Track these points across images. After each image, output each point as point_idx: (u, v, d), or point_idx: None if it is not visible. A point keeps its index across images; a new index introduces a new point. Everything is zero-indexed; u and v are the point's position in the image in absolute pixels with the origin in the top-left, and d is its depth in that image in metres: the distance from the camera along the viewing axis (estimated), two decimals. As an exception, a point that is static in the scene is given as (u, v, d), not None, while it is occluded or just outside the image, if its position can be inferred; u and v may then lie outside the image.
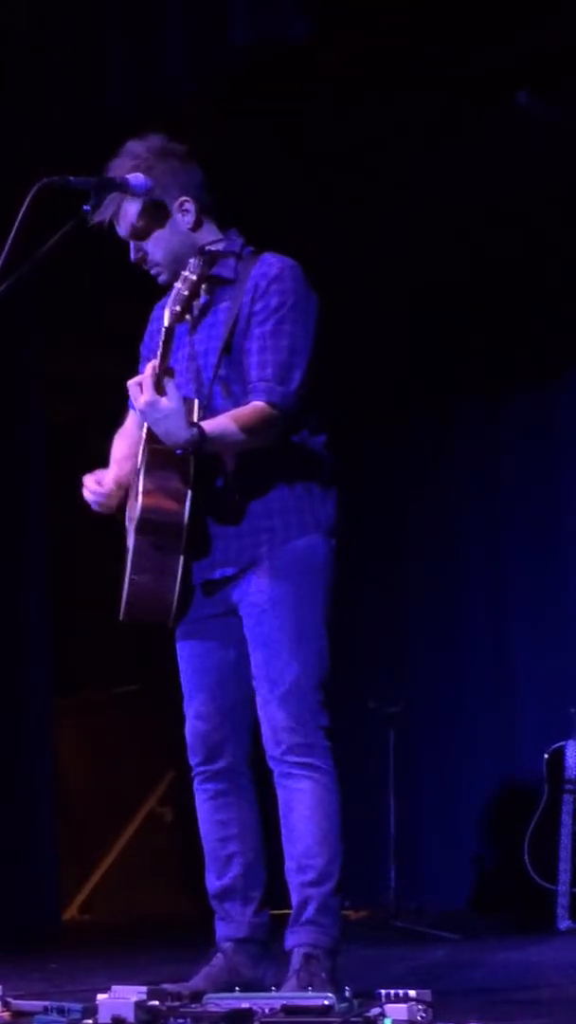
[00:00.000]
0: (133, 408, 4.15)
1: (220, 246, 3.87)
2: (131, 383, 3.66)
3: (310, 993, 3.38)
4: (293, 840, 3.79)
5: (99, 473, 3.98)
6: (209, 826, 3.97)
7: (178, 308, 3.63)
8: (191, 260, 3.69)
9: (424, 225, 7.01)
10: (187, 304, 3.66)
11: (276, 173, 6.57)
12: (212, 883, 3.96)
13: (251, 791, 3.95)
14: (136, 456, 3.94)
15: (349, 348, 6.92)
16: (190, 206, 3.88)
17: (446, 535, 7.60)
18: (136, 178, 3.75)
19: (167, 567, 3.77)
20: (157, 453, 3.73)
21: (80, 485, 4.00)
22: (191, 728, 3.97)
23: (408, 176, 6.78)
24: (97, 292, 7.12)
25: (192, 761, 3.98)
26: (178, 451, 3.66)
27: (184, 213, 3.89)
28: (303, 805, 3.76)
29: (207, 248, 3.78)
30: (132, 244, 3.93)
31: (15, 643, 6.84)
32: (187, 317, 3.68)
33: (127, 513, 3.99)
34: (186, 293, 3.64)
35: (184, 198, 3.88)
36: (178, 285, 3.65)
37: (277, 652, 3.78)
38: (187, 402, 3.72)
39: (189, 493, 3.73)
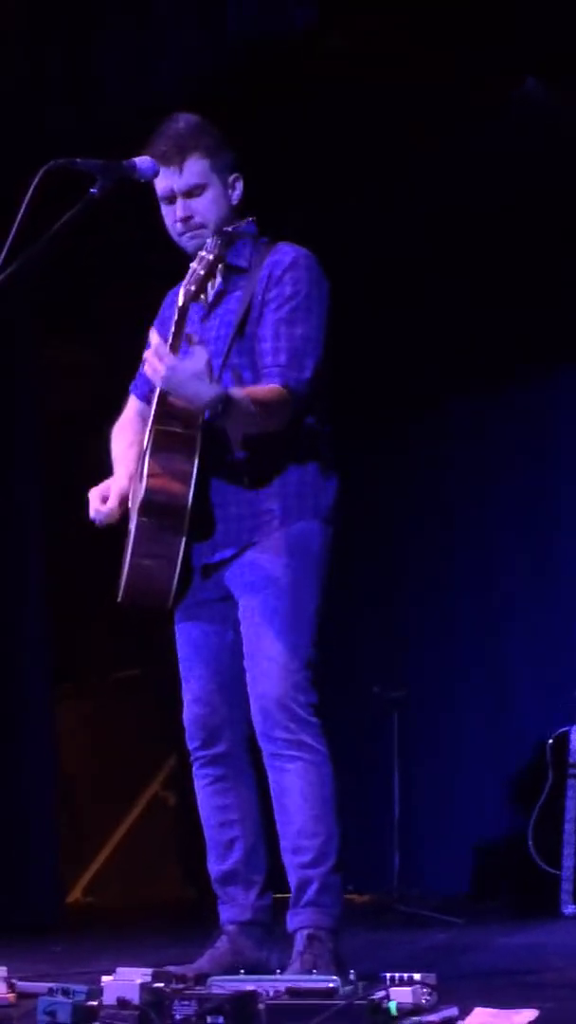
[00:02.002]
0: (135, 392, 4.15)
1: (237, 227, 3.89)
2: (148, 354, 3.63)
3: (315, 976, 3.38)
4: (288, 821, 3.79)
5: (104, 488, 3.98)
6: (209, 811, 3.98)
7: (193, 288, 3.62)
8: (208, 240, 3.70)
9: (424, 223, 7.00)
10: (203, 283, 3.64)
11: (276, 167, 6.55)
12: (214, 868, 3.97)
13: (250, 775, 3.95)
14: (139, 444, 3.95)
15: (350, 342, 6.93)
16: (239, 183, 3.94)
17: (445, 524, 7.61)
18: (143, 161, 3.74)
19: (168, 550, 3.77)
20: (163, 435, 3.73)
21: (79, 484, 4.00)
22: (189, 713, 3.97)
23: (409, 173, 6.77)
24: (92, 282, 7.12)
25: (191, 746, 3.99)
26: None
27: (233, 189, 3.93)
28: (295, 785, 3.76)
29: (225, 229, 3.78)
30: (180, 202, 3.90)
31: (15, 628, 6.84)
32: (201, 297, 3.65)
33: (130, 496, 3.99)
34: (202, 273, 3.63)
35: (237, 175, 3.94)
36: (194, 265, 3.65)
37: (266, 629, 3.79)
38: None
39: (194, 475, 3.73)
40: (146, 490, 3.73)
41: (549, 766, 6.21)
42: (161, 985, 3.13)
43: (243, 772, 3.95)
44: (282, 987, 3.13)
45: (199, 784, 3.99)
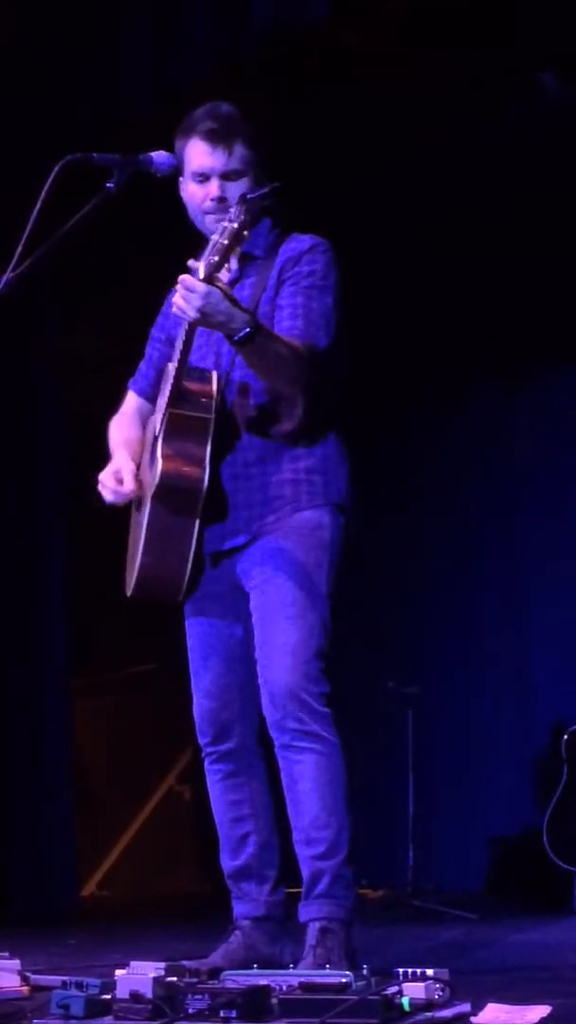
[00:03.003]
0: (134, 388, 4.15)
1: (261, 198, 3.82)
2: (179, 286, 3.52)
3: (328, 971, 3.38)
4: (300, 813, 3.78)
5: (116, 469, 3.93)
6: (222, 806, 3.98)
7: (216, 258, 3.50)
8: (232, 208, 3.60)
9: (440, 211, 7.00)
10: (227, 254, 3.52)
11: (295, 153, 6.57)
12: (227, 863, 3.97)
13: (262, 769, 3.95)
14: (139, 436, 3.98)
15: (369, 330, 6.90)
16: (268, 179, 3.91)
17: (463, 516, 7.59)
18: (160, 156, 3.75)
19: (182, 537, 3.76)
20: (177, 418, 3.72)
21: (95, 470, 3.99)
22: (199, 708, 3.97)
23: (411, 172, 6.77)
24: (112, 274, 7.13)
25: (201, 741, 3.98)
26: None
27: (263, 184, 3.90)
28: (307, 776, 3.75)
29: (248, 196, 3.68)
30: (216, 181, 3.87)
31: (33, 622, 6.86)
32: (225, 267, 3.54)
33: (137, 497, 3.99)
34: (226, 243, 3.51)
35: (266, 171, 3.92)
36: (215, 237, 3.54)
37: (277, 619, 3.78)
38: (205, 373, 3.73)
39: (208, 459, 3.73)
40: (161, 474, 3.71)
41: (564, 762, 6.21)
42: (174, 979, 3.14)
43: (255, 767, 3.95)
44: (295, 982, 3.14)
45: (211, 780, 3.99)
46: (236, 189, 3.86)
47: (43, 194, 3.42)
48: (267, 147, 3.96)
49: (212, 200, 3.86)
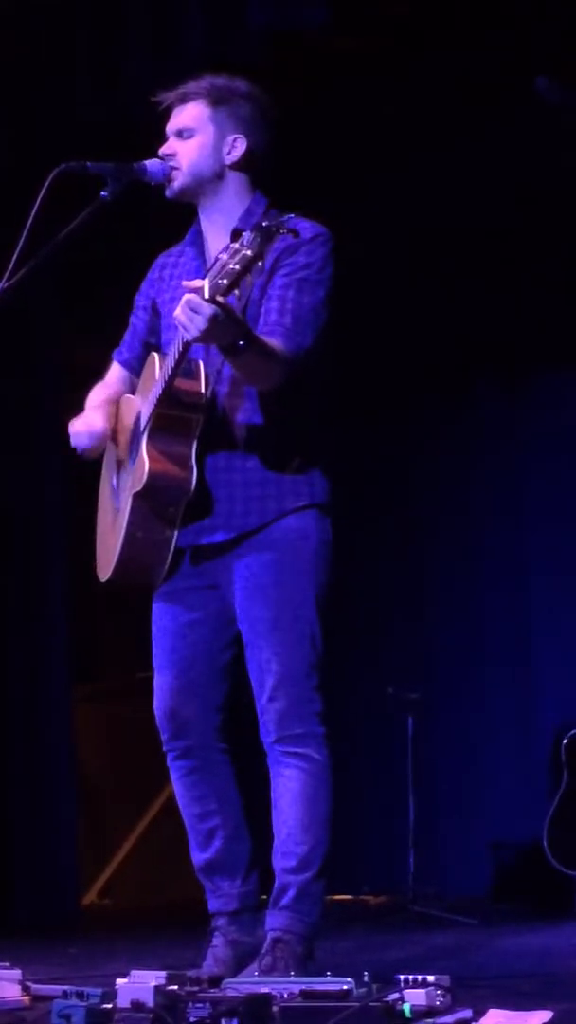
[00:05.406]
0: (118, 359, 4.14)
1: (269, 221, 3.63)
2: (186, 301, 3.43)
3: (329, 978, 3.38)
4: (279, 824, 3.81)
5: (88, 420, 3.96)
6: (186, 801, 3.99)
7: (225, 282, 3.37)
8: (246, 234, 3.40)
9: (441, 213, 7.00)
10: (237, 280, 3.37)
11: (298, 156, 6.57)
12: (197, 857, 4.00)
13: (225, 764, 3.95)
14: (116, 401, 3.98)
15: (371, 331, 6.90)
16: (241, 144, 3.87)
17: (465, 519, 7.59)
18: (153, 164, 3.77)
19: (163, 532, 3.76)
20: (164, 418, 3.70)
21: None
22: (159, 704, 4.00)
23: (424, 162, 6.77)
24: (111, 280, 7.12)
25: (162, 737, 4.01)
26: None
27: (232, 149, 3.87)
28: (290, 793, 3.78)
29: (264, 224, 3.46)
30: (170, 139, 3.88)
31: (35, 628, 6.85)
32: (236, 292, 3.41)
33: (108, 476, 4.00)
34: (237, 268, 3.36)
35: (238, 136, 3.88)
36: (224, 256, 3.39)
37: (264, 640, 3.78)
38: (193, 367, 3.71)
39: (194, 457, 3.72)
40: (148, 475, 3.68)
41: (564, 766, 6.20)
42: (175, 988, 3.13)
43: (217, 762, 3.95)
44: (296, 989, 3.14)
45: (174, 776, 4.00)
46: (185, 147, 3.85)
47: (37, 203, 3.42)
48: (247, 111, 3.89)
49: (162, 154, 3.86)
